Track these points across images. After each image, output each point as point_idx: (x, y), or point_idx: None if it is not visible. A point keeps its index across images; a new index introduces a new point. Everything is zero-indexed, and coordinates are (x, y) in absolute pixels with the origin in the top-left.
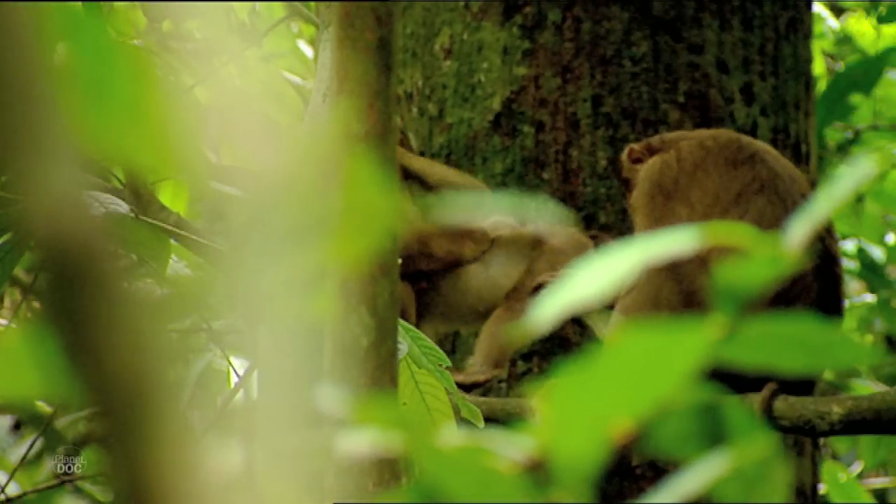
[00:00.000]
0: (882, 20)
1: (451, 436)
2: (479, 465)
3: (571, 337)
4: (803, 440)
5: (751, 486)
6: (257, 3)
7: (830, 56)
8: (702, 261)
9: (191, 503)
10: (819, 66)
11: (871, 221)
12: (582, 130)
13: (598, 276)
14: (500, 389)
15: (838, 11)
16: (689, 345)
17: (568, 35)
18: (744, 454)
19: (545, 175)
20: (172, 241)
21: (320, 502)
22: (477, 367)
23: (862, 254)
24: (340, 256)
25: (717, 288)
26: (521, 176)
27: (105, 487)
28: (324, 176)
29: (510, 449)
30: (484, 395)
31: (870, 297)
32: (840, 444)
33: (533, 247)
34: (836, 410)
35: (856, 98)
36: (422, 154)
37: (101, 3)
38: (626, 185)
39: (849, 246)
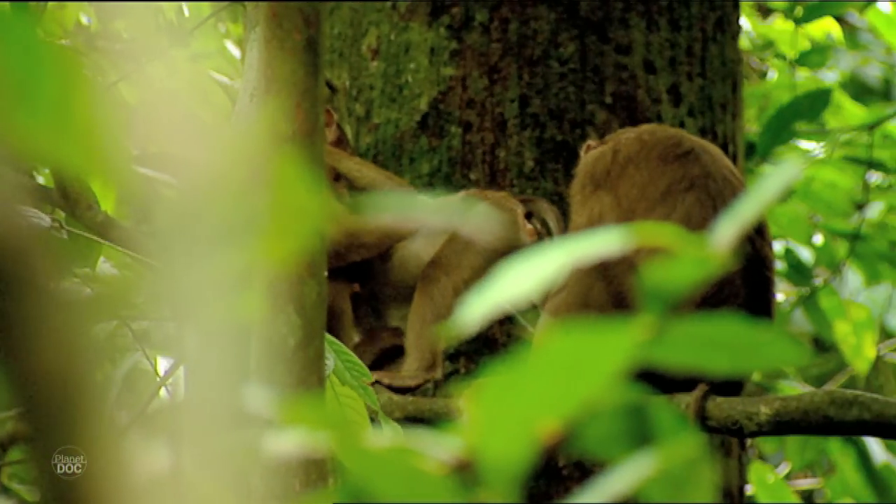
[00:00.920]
0: (800, 21)
1: (379, 436)
2: (407, 466)
3: (499, 337)
4: (730, 441)
5: (678, 486)
6: (185, 3)
7: (753, 58)
8: (631, 262)
9: (117, 502)
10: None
11: (799, 222)
12: (509, 131)
13: (526, 276)
14: (428, 390)
15: (766, 13)
16: (617, 345)
17: (495, 35)
18: (670, 455)
19: (472, 175)
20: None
21: (247, 502)
22: (412, 371)
23: (789, 255)
24: (268, 256)
25: (645, 289)
26: (449, 176)
27: (32, 487)
28: (251, 176)
29: (438, 449)
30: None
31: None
32: (767, 444)
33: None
34: (764, 411)
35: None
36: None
37: (30, 2)
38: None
39: (776, 247)
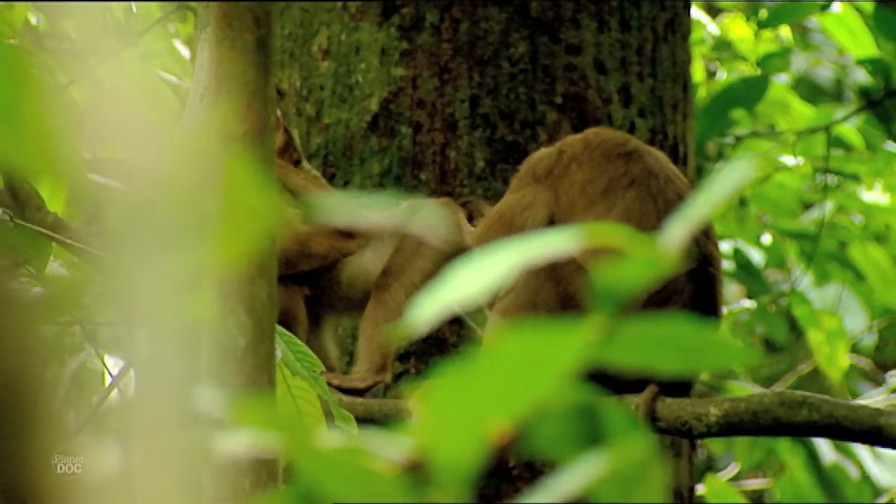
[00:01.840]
0: (763, 25)
1: (330, 437)
2: (358, 466)
3: (449, 338)
4: (680, 442)
5: (628, 486)
6: (133, 3)
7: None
8: (578, 263)
9: (66, 501)
10: (698, 72)
11: (748, 222)
12: (460, 131)
13: (476, 276)
14: (378, 391)
15: (714, 12)
16: (567, 346)
17: (446, 36)
18: (621, 455)
19: (423, 176)
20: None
21: (197, 503)
22: (362, 373)
23: (738, 255)
24: (218, 257)
25: (595, 289)
26: (399, 177)
27: None
28: (202, 176)
29: (389, 449)
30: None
31: (748, 302)
32: (716, 444)
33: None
34: (714, 412)
35: (738, 113)
36: (297, 162)
37: None
38: None
39: (725, 247)
